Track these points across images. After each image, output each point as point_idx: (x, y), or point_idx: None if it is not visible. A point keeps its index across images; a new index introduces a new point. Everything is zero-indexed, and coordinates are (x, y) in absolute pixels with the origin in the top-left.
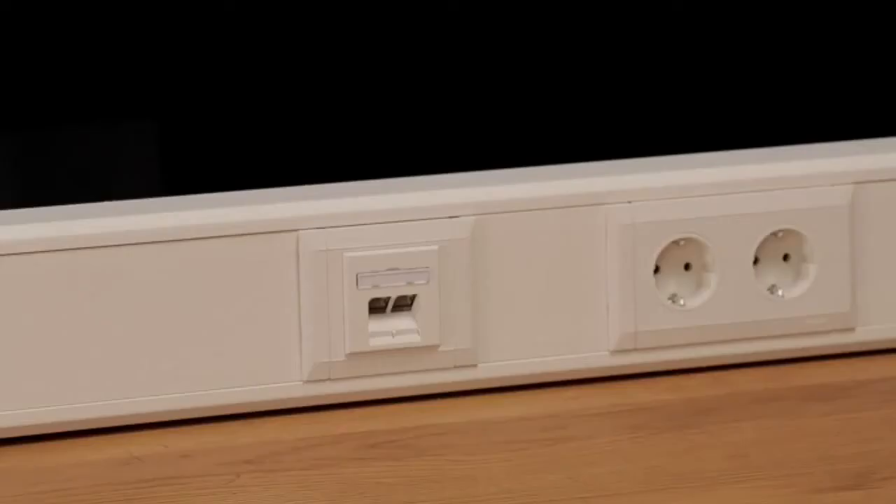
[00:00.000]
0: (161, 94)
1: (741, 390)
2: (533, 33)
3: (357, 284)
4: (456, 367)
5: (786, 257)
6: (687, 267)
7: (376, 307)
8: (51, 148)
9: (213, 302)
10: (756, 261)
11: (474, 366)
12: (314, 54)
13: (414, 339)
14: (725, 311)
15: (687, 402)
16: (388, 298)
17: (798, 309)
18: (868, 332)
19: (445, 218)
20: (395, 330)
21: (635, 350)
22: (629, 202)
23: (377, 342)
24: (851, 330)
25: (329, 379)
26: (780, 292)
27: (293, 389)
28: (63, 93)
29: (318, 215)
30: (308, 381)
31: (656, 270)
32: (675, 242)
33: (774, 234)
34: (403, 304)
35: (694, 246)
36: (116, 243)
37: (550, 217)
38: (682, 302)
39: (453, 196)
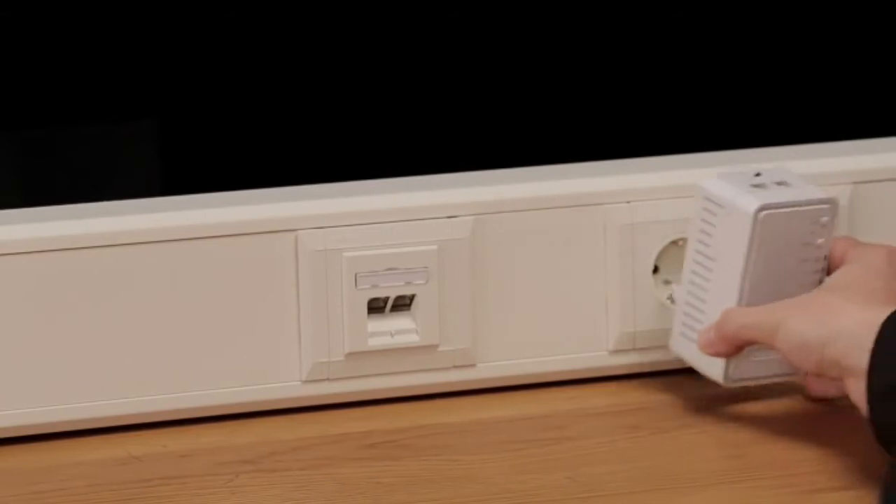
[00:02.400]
0: (161, 94)
1: (740, 390)
2: (532, 34)
3: (356, 284)
4: (455, 366)
5: None
6: None
7: (375, 307)
8: (51, 148)
9: (212, 302)
10: None
11: (473, 366)
12: (314, 54)
13: (413, 339)
14: None
15: (685, 402)
16: (387, 298)
17: None
18: None
19: (445, 218)
20: (394, 330)
21: (634, 350)
22: (629, 202)
23: (376, 342)
24: None
25: (328, 379)
26: None
27: (292, 389)
28: (63, 93)
29: (318, 215)
30: (307, 381)
31: (655, 270)
32: (675, 242)
33: None
34: (402, 303)
35: None
36: (116, 243)
37: (550, 217)
38: None
39: (453, 196)
